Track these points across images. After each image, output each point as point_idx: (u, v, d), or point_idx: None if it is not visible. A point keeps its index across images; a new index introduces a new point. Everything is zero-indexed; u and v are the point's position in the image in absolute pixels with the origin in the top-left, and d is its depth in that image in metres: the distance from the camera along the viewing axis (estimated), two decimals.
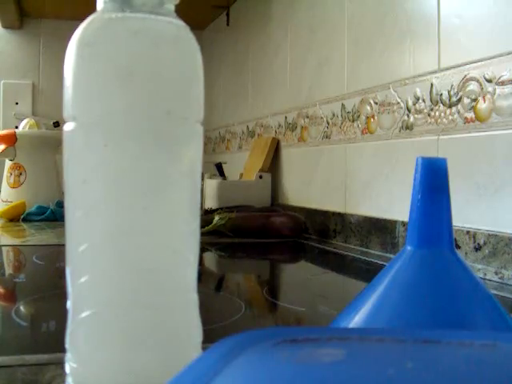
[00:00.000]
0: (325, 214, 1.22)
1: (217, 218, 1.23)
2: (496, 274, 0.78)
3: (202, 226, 1.22)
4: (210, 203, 1.44)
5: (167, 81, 0.32)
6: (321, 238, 1.22)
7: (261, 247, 1.16)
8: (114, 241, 0.33)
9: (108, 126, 0.32)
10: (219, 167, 1.46)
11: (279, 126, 1.48)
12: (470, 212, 0.84)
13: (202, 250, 1.11)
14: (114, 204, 0.32)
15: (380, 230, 1.03)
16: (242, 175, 1.56)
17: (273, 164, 1.48)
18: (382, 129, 1.04)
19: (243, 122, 1.74)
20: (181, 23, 0.34)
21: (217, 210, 1.37)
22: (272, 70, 1.54)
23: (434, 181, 0.42)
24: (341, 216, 1.16)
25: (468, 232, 0.83)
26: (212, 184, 1.45)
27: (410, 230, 0.43)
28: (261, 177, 1.46)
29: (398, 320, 0.41)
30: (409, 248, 0.43)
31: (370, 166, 1.09)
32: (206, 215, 1.31)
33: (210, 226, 1.22)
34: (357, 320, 0.43)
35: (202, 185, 1.48)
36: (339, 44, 1.19)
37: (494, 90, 0.80)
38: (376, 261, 0.95)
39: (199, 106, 0.35)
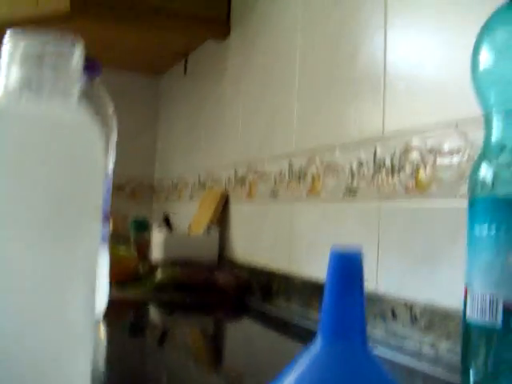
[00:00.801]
0: (269, 274, 1.20)
1: (160, 273, 1.20)
2: (431, 346, 0.77)
3: (145, 283, 1.20)
4: (156, 256, 1.41)
5: (60, 171, 0.31)
6: (264, 297, 1.19)
7: (201, 306, 1.14)
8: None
9: None
10: (167, 220, 1.43)
11: (229, 179, 1.47)
12: (407, 282, 0.83)
13: (145, 305, 1.09)
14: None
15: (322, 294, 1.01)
16: (189, 227, 1.54)
17: (221, 218, 1.47)
18: (327, 191, 1.04)
19: (195, 172, 1.73)
20: (81, 110, 0.33)
21: (161, 264, 1.34)
22: (225, 122, 1.53)
23: (347, 274, 0.41)
24: (285, 277, 1.15)
25: (405, 303, 0.82)
26: (159, 236, 1.42)
27: (323, 323, 0.42)
28: (208, 231, 1.44)
29: None
30: (320, 341, 0.42)
31: (315, 227, 1.08)
32: (150, 270, 1.29)
33: (154, 282, 1.19)
34: None
35: (149, 237, 1.45)
36: (289, 100, 1.19)
37: (435, 160, 0.80)
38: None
39: (97, 196, 0.33)
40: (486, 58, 0.52)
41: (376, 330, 0.86)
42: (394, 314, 0.84)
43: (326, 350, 0.41)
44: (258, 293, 1.22)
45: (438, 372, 0.71)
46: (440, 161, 0.79)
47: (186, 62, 1.90)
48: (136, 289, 1.17)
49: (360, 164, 0.95)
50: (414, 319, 0.80)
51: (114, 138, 0.91)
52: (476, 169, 0.54)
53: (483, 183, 0.52)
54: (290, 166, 1.17)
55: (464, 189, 0.73)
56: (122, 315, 0.96)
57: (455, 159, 0.76)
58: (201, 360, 0.75)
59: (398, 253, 0.86)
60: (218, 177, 1.54)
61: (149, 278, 1.21)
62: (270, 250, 1.24)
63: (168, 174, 1.99)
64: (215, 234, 1.45)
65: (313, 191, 1.08)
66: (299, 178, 1.13)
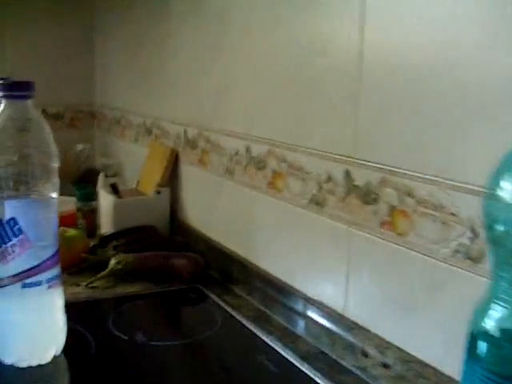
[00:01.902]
0: (227, 256, 1.16)
1: (113, 261, 1.15)
2: None
3: (97, 271, 1.14)
4: (106, 225, 1.34)
5: None
6: (223, 282, 1.16)
7: (157, 296, 1.10)
8: None
9: None
10: (113, 187, 1.35)
11: (177, 137, 1.37)
12: (379, 320, 0.81)
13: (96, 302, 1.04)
14: None
15: (284, 297, 0.99)
16: (138, 183, 1.46)
17: (171, 177, 1.39)
18: (290, 192, 0.97)
19: (139, 114, 1.61)
20: None
21: (113, 236, 1.28)
22: (170, 71, 1.40)
23: None
24: (244, 265, 1.11)
25: (377, 344, 0.80)
26: (107, 202, 1.34)
27: None
28: (159, 192, 1.37)
29: None
30: None
31: (275, 223, 1.02)
32: (101, 250, 1.23)
33: (106, 271, 1.14)
34: None
35: (96, 204, 1.37)
36: (247, 76, 1.09)
37: (416, 207, 0.74)
38: (275, 347, 0.90)
39: None
40: None
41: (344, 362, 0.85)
42: (364, 354, 0.82)
43: None
44: (216, 275, 1.18)
45: None
46: (421, 210, 0.73)
47: None
48: (90, 280, 1.11)
49: (329, 178, 0.88)
50: (385, 365, 0.79)
51: (55, 165, 0.81)
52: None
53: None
54: (248, 149, 1.09)
55: (446, 252, 0.69)
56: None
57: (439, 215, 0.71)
58: None
59: (370, 286, 0.82)
60: (165, 129, 1.44)
61: (100, 266, 1.16)
62: (226, 229, 1.19)
63: (109, 104, 1.86)
64: (166, 195, 1.38)
65: (274, 186, 1.02)
66: (258, 167, 1.06)
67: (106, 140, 1.88)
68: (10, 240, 0.78)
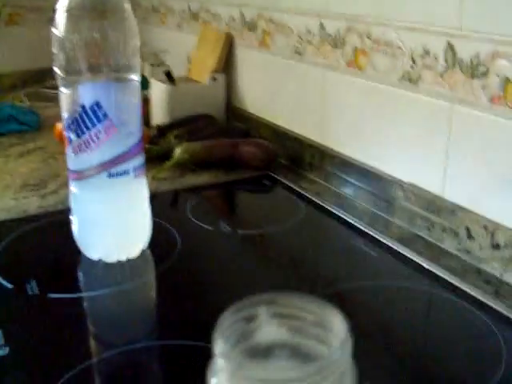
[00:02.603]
0: (298, 142, 1.11)
1: (179, 151, 1.10)
2: None
3: (162, 159, 1.09)
4: (159, 115, 1.29)
5: None
6: (295, 169, 1.11)
7: (230, 185, 1.06)
8: None
9: None
10: (168, 75, 1.28)
11: (232, 19, 1.29)
12: (486, 201, 0.76)
13: (168, 194, 1.00)
14: None
15: (370, 182, 0.94)
16: (189, 71, 1.39)
17: (226, 64, 1.32)
18: (376, 70, 0.91)
19: None
20: None
21: (171, 125, 1.23)
22: None
23: None
24: (320, 150, 1.06)
25: (485, 226, 0.76)
26: (161, 91, 1.28)
27: None
28: (215, 79, 1.30)
29: None
30: None
31: (357, 104, 0.96)
32: (161, 138, 1.17)
33: (173, 161, 1.09)
34: None
35: (148, 92, 1.31)
36: None
37: None
38: (360, 225, 0.86)
39: None
40: None
41: (446, 243, 0.81)
42: (469, 233, 0.78)
43: None
44: (287, 162, 1.13)
45: None
46: None
47: None
48: (156, 171, 1.07)
49: (426, 52, 0.82)
50: (494, 245, 0.75)
51: (137, 43, 0.75)
52: None
53: None
54: (322, 26, 1.01)
55: None
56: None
57: None
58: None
59: (473, 167, 0.77)
60: (216, 12, 1.36)
61: (164, 155, 1.11)
62: (295, 114, 1.13)
63: None
64: (222, 81, 1.31)
65: (355, 65, 0.95)
66: (335, 44, 0.98)
67: (143, 30, 1.78)
68: (95, 125, 0.73)
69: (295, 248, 0.83)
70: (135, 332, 0.65)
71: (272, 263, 0.80)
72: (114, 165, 0.75)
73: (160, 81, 1.29)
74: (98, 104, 0.73)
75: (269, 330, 0.23)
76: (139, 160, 0.78)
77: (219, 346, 0.26)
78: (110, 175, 0.75)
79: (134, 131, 0.76)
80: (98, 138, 0.74)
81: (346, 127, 1.00)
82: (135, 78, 0.75)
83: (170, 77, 1.27)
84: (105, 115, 0.73)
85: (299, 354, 0.24)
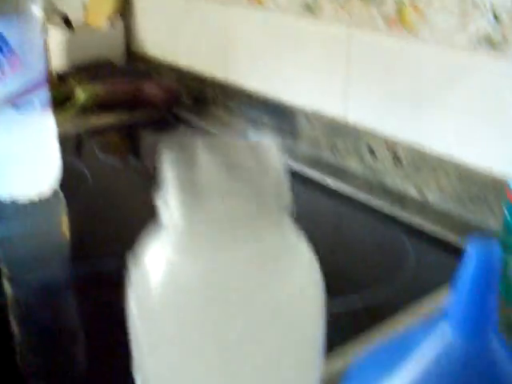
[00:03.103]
0: (202, 80, 1.12)
1: (81, 93, 1.08)
2: (418, 191, 0.78)
3: (63, 103, 1.07)
4: (57, 62, 1.25)
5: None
6: (199, 106, 1.12)
7: (136, 125, 1.06)
8: None
9: None
10: (66, 20, 1.24)
11: None
12: (385, 118, 0.81)
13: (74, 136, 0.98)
14: None
15: (274, 113, 0.97)
16: (85, 18, 1.36)
17: (124, 8, 1.30)
18: (276, 3, 0.93)
19: None
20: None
21: (69, 73, 1.20)
22: None
23: (484, 273, 0.38)
24: (223, 86, 1.07)
25: (386, 142, 0.80)
26: (58, 38, 1.24)
27: (459, 318, 0.40)
28: (112, 23, 1.28)
29: None
30: (453, 336, 0.40)
31: (258, 38, 0.98)
32: (60, 84, 1.15)
33: (74, 103, 1.07)
34: None
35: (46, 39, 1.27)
36: None
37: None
38: None
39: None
40: None
41: (351, 164, 0.85)
42: (371, 151, 0.82)
43: (466, 347, 0.39)
44: (192, 106, 1.14)
45: (426, 222, 0.72)
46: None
47: None
48: (59, 115, 1.04)
49: None
50: (396, 160, 0.79)
51: None
52: None
53: None
54: None
55: (463, 41, 0.68)
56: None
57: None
58: None
59: (373, 88, 0.81)
60: None
61: (64, 99, 1.09)
62: (198, 53, 1.14)
63: None
64: (120, 26, 1.29)
65: (256, 0, 0.97)
66: None
67: None
68: None
69: None
70: (49, 270, 0.65)
71: None
72: (19, 98, 0.73)
73: (58, 26, 1.25)
74: (1, 36, 0.71)
75: (208, 170, 0.24)
76: (45, 94, 0.77)
77: (170, 171, 0.25)
78: (17, 109, 0.74)
79: (37, 63, 0.75)
80: (1, 70, 0.72)
81: (248, 61, 1.02)
82: (36, 11, 0.74)
83: (67, 23, 1.24)
84: (7, 46, 0.71)
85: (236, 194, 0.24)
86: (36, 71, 0.74)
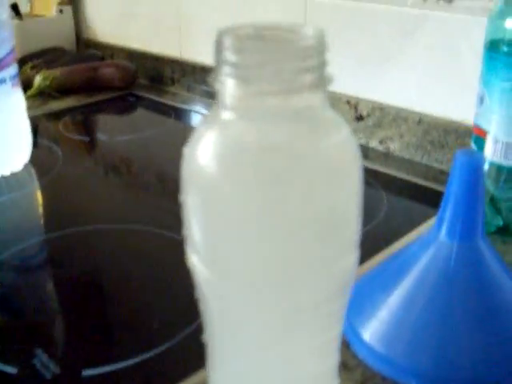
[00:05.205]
0: (157, 60, 1.14)
1: (39, 78, 1.08)
2: (381, 143, 0.82)
3: (24, 89, 1.08)
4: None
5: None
6: (156, 85, 1.14)
7: (95, 106, 1.07)
8: None
9: None
10: (15, 8, 1.24)
11: None
12: (347, 80, 0.84)
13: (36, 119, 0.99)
14: None
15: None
16: (31, 8, 1.35)
17: None
18: None
19: None
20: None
21: (22, 60, 1.20)
22: None
23: (471, 178, 0.42)
24: (179, 63, 1.09)
25: (348, 101, 0.84)
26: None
27: (449, 225, 0.44)
28: (61, 11, 1.28)
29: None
30: (445, 240, 0.44)
31: (213, 14, 1.01)
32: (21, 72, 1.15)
33: (33, 88, 1.08)
34: (391, 303, 0.45)
35: None
36: None
37: None
38: None
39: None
40: None
41: None
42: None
43: (459, 250, 0.43)
44: (148, 85, 1.16)
45: (388, 170, 0.77)
46: None
47: None
48: None
49: None
50: (358, 117, 0.84)
51: None
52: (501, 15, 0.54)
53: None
54: None
55: None
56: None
57: None
58: None
59: (334, 49, 0.85)
60: None
61: (25, 85, 1.09)
62: (151, 35, 1.16)
63: None
64: (69, 12, 1.30)
65: None
66: None
67: None
68: None
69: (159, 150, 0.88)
70: (24, 237, 0.65)
71: (142, 163, 0.84)
72: None
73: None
74: None
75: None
76: (14, 69, 0.78)
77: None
78: None
79: (5, 38, 0.76)
80: None
81: (204, 38, 1.04)
82: None
83: (16, 11, 1.23)
84: None
85: None
86: (4, 46, 0.75)
